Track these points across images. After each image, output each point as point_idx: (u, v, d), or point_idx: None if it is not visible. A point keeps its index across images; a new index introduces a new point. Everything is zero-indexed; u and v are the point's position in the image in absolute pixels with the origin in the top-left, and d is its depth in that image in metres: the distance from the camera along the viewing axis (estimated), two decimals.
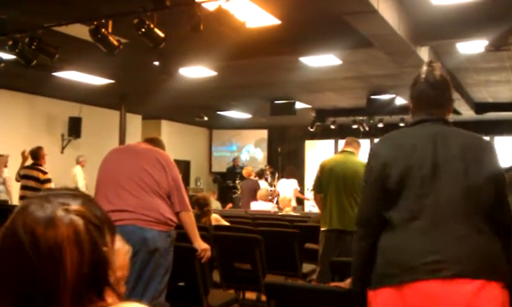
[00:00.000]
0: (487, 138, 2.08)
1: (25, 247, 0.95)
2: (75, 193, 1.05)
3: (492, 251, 1.88)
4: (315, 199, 5.27)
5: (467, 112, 11.36)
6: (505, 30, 6.03)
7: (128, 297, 3.39)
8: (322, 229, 4.90)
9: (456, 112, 11.28)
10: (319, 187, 5.00)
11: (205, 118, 13.39)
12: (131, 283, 3.25)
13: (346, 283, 2.15)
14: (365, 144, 15.38)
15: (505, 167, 2.30)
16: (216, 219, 5.56)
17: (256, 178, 11.15)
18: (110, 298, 1.02)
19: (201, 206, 5.36)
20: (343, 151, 5.03)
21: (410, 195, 1.91)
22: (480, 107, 11.57)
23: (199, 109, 13.10)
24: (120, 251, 1.55)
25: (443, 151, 1.93)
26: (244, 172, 11.39)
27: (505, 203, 1.95)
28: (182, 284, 3.79)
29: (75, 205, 1.01)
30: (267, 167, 14.08)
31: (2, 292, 0.96)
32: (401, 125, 11.67)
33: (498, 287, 1.82)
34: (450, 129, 2.03)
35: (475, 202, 1.89)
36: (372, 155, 2.07)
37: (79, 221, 0.99)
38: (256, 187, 10.16)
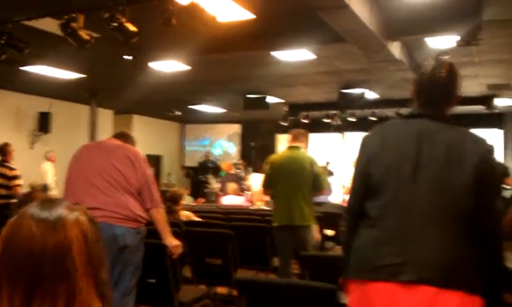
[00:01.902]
0: (488, 142, 1.92)
1: (36, 239, 1.00)
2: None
3: (461, 258, 1.81)
4: (265, 195, 5.32)
5: None
6: (474, 25, 6.14)
7: None
8: (273, 225, 4.93)
9: None
10: (268, 184, 5.02)
11: (178, 113, 13.30)
12: None
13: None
14: (337, 138, 15.49)
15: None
16: (186, 215, 5.53)
17: (237, 172, 11.08)
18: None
19: (174, 202, 5.32)
20: (290, 147, 4.99)
21: (386, 194, 1.89)
22: None
23: (171, 104, 13.00)
24: None
25: (426, 152, 1.88)
26: (223, 166, 11.36)
27: (490, 210, 1.86)
28: (152, 281, 3.76)
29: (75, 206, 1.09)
30: (241, 161, 14.09)
31: (15, 279, 0.99)
32: (372, 118, 11.81)
33: (458, 296, 1.77)
34: (441, 127, 1.95)
35: (450, 207, 1.83)
36: (362, 146, 2.05)
37: (84, 218, 1.07)
38: (238, 181, 10.14)
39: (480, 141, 1.92)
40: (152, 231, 3.55)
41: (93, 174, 3.38)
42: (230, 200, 9.24)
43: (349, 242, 1.99)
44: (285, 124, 12.96)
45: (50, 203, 1.07)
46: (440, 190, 1.84)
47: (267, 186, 5.05)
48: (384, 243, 1.85)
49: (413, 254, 1.80)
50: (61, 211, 1.05)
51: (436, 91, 2.01)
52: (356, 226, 1.97)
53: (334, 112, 12.75)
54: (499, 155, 9.46)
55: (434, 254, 1.80)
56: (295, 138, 5.00)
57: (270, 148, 15.47)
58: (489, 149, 1.90)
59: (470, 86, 10.37)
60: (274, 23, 6.66)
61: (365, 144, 2.04)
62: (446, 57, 2.11)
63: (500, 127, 13.50)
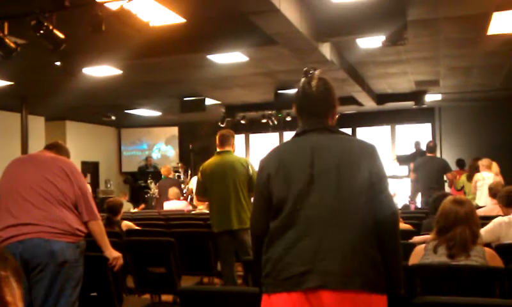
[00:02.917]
0: (370, 142, 2.08)
1: None
2: None
3: (361, 259, 1.90)
4: (199, 201, 5.35)
5: (369, 103, 11.91)
6: (400, 26, 6.39)
7: None
8: (213, 230, 4.97)
9: (359, 104, 11.81)
10: (202, 191, 5.05)
11: (113, 117, 13.05)
12: (41, 297, 3.15)
13: None
14: (274, 138, 15.66)
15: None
16: (127, 225, 5.45)
17: (176, 176, 10.97)
18: None
19: (114, 213, 5.20)
20: (220, 153, 5.01)
21: (287, 209, 1.97)
22: (380, 98, 12.18)
23: (106, 108, 12.73)
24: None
25: (318, 164, 1.98)
26: (163, 170, 11.22)
27: (385, 204, 1.97)
28: (94, 294, 3.70)
29: None
30: (180, 164, 13.99)
31: None
32: None
33: (361, 297, 1.87)
34: (331, 138, 2.06)
35: (348, 211, 1.93)
36: (259, 170, 2.13)
37: None
38: (177, 186, 10.04)
39: (365, 144, 2.06)
40: (92, 243, 3.49)
41: (25, 189, 3.28)
42: (171, 205, 9.16)
43: (259, 262, 2.06)
44: (223, 125, 12.98)
45: None
46: (336, 197, 1.94)
47: (202, 194, 5.07)
48: (288, 255, 1.93)
49: (314, 262, 1.88)
50: None
51: (314, 105, 2.11)
52: (262, 246, 2.05)
53: (270, 112, 12.91)
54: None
55: (334, 259, 1.88)
56: (223, 143, 4.99)
57: (210, 150, 15.45)
58: (375, 149, 2.04)
59: (399, 83, 10.79)
60: (207, 27, 6.69)
61: (262, 167, 2.11)
62: (316, 72, 2.16)
63: (428, 121, 14.11)
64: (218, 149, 5.04)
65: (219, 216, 4.89)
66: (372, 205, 1.94)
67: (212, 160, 5.04)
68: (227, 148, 4.98)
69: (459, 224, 2.86)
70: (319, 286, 1.85)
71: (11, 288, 1.01)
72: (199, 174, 5.06)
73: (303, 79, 2.15)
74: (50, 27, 5.11)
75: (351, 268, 1.87)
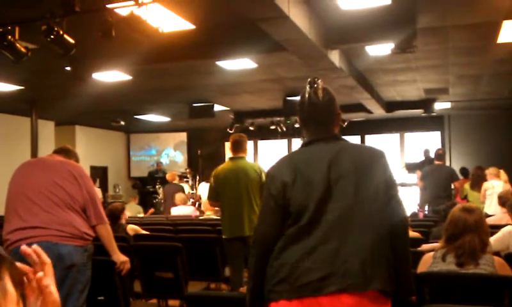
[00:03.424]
0: (379, 148, 2.12)
1: None
2: None
3: (381, 261, 1.95)
4: (211, 206, 5.35)
5: (378, 111, 11.88)
6: (409, 33, 6.38)
7: None
8: (223, 237, 4.96)
9: (368, 111, 11.79)
10: (214, 196, 5.03)
11: (122, 123, 13.11)
12: None
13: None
14: (283, 145, 15.66)
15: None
16: (133, 229, 5.45)
17: (181, 183, 11.03)
18: None
19: (114, 220, 5.17)
20: (233, 158, 5.01)
21: (307, 215, 1.97)
22: (389, 106, 12.15)
23: (115, 114, 12.80)
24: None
25: (335, 171, 2.00)
26: (168, 176, 11.26)
27: (393, 211, 2.01)
28: (101, 298, 3.71)
29: None
30: (188, 170, 14.01)
31: None
32: None
33: (380, 299, 1.91)
34: (342, 145, 2.09)
35: (366, 215, 1.96)
36: (270, 179, 2.10)
37: None
38: (180, 192, 10.07)
39: (375, 150, 2.10)
40: (99, 248, 3.51)
41: (34, 192, 3.30)
42: (178, 210, 9.17)
43: (262, 271, 2.03)
44: (232, 132, 13.01)
45: None
46: (354, 202, 1.97)
47: (214, 198, 5.06)
48: (306, 261, 1.93)
49: (334, 267, 1.90)
50: None
51: (321, 114, 2.14)
52: (268, 255, 2.03)
53: (279, 119, 12.92)
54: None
55: (355, 262, 1.91)
56: (236, 149, 4.99)
57: (218, 155, 15.48)
58: (384, 155, 2.08)
59: (409, 90, 10.76)
60: (216, 34, 6.71)
61: (274, 175, 2.09)
62: (319, 81, 2.17)
63: (438, 129, 14.05)
64: (231, 155, 5.04)
65: (231, 223, 4.87)
66: (386, 209, 1.98)
67: (225, 165, 5.05)
68: (240, 154, 4.98)
69: (468, 232, 2.84)
70: (339, 290, 1.87)
71: (3, 290, 0.99)
72: (211, 179, 5.06)
73: (307, 89, 2.16)
74: (61, 32, 5.14)
75: (371, 269, 1.91)
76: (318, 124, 2.14)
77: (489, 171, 8.03)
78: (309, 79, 2.19)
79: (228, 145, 14.79)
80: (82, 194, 3.35)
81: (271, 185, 2.07)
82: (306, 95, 2.15)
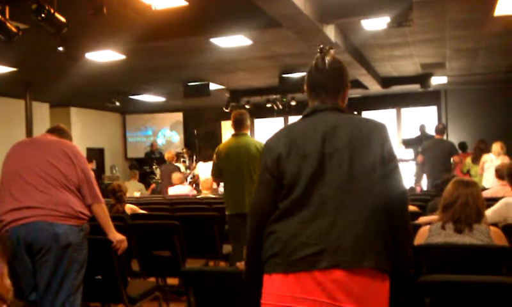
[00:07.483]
0: (381, 121, 2.06)
1: None
2: None
3: (376, 237, 1.89)
4: (215, 182, 5.33)
5: (374, 87, 11.83)
6: (405, 7, 6.31)
7: (43, 294, 3.26)
8: (226, 213, 4.96)
9: (364, 87, 11.73)
10: (217, 173, 5.04)
11: (117, 103, 13.02)
12: (45, 280, 3.15)
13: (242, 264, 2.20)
14: (279, 123, 15.63)
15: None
16: (131, 208, 5.45)
17: (177, 163, 11.03)
18: None
19: (115, 194, 5.21)
20: (235, 135, 5.00)
21: (300, 188, 1.93)
22: (386, 81, 12.09)
23: (110, 94, 12.71)
24: None
25: (330, 143, 1.94)
26: (167, 156, 11.26)
27: (392, 184, 1.95)
28: (99, 277, 3.70)
29: None
30: (185, 150, 13.98)
31: None
32: None
33: (374, 275, 1.86)
34: (341, 118, 2.02)
35: (361, 189, 1.91)
36: (267, 150, 2.06)
37: None
38: (177, 172, 10.07)
39: (376, 122, 2.03)
40: (96, 227, 3.49)
41: (27, 172, 3.27)
42: (176, 190, 9.18)
43: (261, 243, 2.02)
44: (228, 110, 12.96)
45: None
46: (349, 175, 1.91)
47: (218, 175, 5.06)
48: (301, 235, 1.90)
49: (328, 242, 1.86)
50: None
51: (326, 80, 2.07)
52: (263, 226, 2.01)
53: (275, 96, 12.85)
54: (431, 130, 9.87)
55: (349, 238, 1.86)
56: (238, 126, 4.97)
57: (215, 135, 15.44)
58: (385, 128, 2.02)
59: (405, 65, 10.70)
60: (210, 10, 6.62)
61: (271, 146, 2.05)
62: (331, 50, 2.11)
63: (434, 104, 14.02)
64: (234, 132, 5.03)
65: (231, 199, 4.87)
66: (384, 183, 1.92)
67: (227, 142, 5.04)
68: (242, 131, 4.96)
69: (463, 199, 2.89)
70: (332, 265, 1.84)
71: None
72: (214, 155, 5.06)
73: (317, 55, 2.10)
74: (52, 11, 5.07)
75: (365, 246, 1.86)
76: (322, 91, 2.07)
77: (494, 148, 7.98)
78: (320, 46, 2.12)
79: (226, 124, 14.82)
80: (76, 173, 3.31)
81: (267, 156, 2.03)
82: (314, 61, 2.10)
